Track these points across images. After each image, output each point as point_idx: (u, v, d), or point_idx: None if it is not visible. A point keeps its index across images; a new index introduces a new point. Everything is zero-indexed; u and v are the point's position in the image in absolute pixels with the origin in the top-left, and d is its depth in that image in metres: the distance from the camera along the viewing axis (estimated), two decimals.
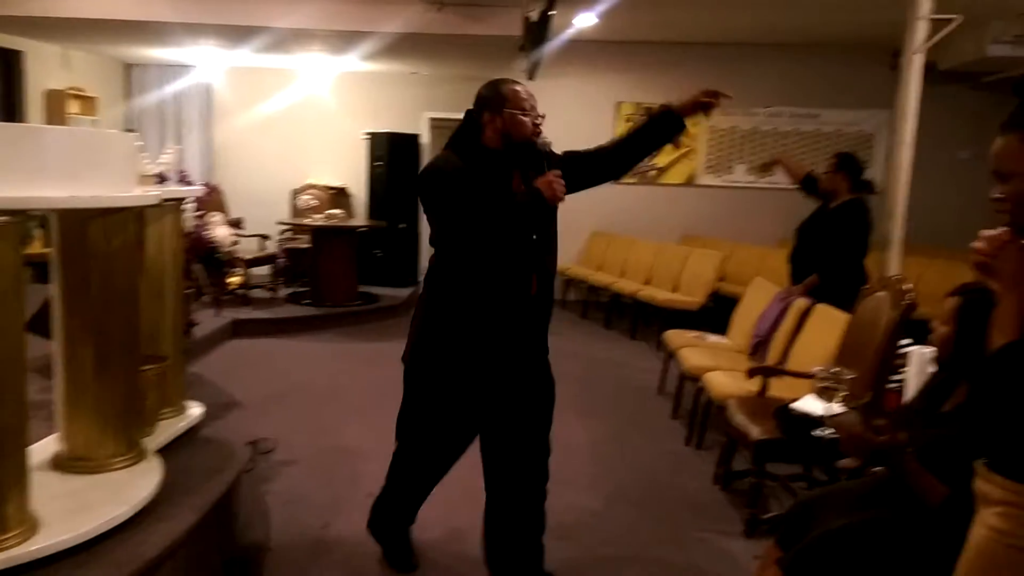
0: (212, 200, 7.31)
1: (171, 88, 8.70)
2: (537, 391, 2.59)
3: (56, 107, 7.22)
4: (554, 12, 5.52)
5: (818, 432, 2.71)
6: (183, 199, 2.90)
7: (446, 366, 2.56)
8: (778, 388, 3.66)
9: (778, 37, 7.71)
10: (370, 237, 8.11)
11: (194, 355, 5.45)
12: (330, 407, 4.77)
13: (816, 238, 4.44)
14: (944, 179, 7.91)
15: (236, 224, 3.90)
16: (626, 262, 7.93)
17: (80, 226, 2.28)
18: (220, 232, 3.45)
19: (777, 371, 3.62)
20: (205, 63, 8.43)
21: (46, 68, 7.32)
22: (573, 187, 2.46)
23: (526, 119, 2.40)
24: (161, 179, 3.17)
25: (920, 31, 4.35)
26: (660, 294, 6.90)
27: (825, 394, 2.65)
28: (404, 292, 8.08)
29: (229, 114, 8.82)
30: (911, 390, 3.41)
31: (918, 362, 3.45)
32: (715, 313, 6.44)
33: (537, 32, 5.84)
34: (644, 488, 3.73)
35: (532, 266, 2.46)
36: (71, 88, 7.52)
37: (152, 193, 2.47)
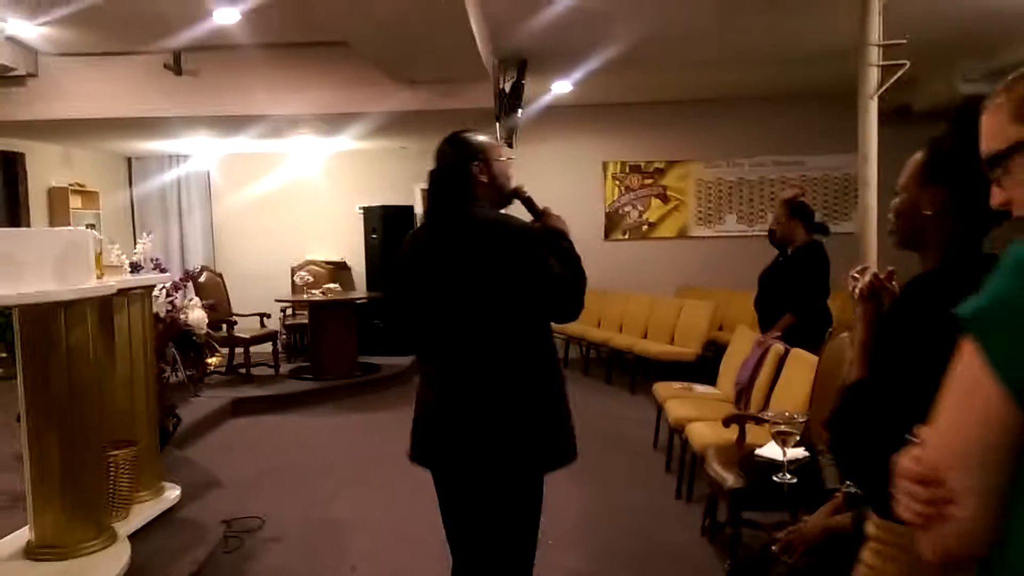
0: (210, 283, 7.51)
1: (170, 177, 9.01)
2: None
3: (59, 203, 7.50)
4: (524, 83, 5.73)
5: (778, 477, 2.72)
6: (152, 287, 3.00)
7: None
8: (757, 435, 3.65)
9: (751, 91, 7.90)
10: (370, 308, 8.22)
11: (192, 437, 5.52)
12: (322, 480, 4.79)
13: (778, 283, 4.55)
14: None
15: (213, 308, 4.01)
16: (623, 317, 7.96)
17: (39, 320, 2.38)
18: (195, 315, 3.57)
19: (749, 417, 3.62)
20: (202, 151, 8.74)
21: (48, 166, 7.63)
22: None
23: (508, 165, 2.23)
24: (135, 268, 3.30)
25: (872, 78, 4.47)
26: (655, 347, 6.92)
27: (780, 438, 2.67)
28: (405, 360, 8.14)
29: (227, 198, 9.10)
30: None
31: None
32: (713, 363, 6.43)
33: (511, 101, 6.04)
34: (632, 544, 3.70)
35: None
36: (73, 184, 7.82)
37: (109, 284, 2.57)
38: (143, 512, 3.07)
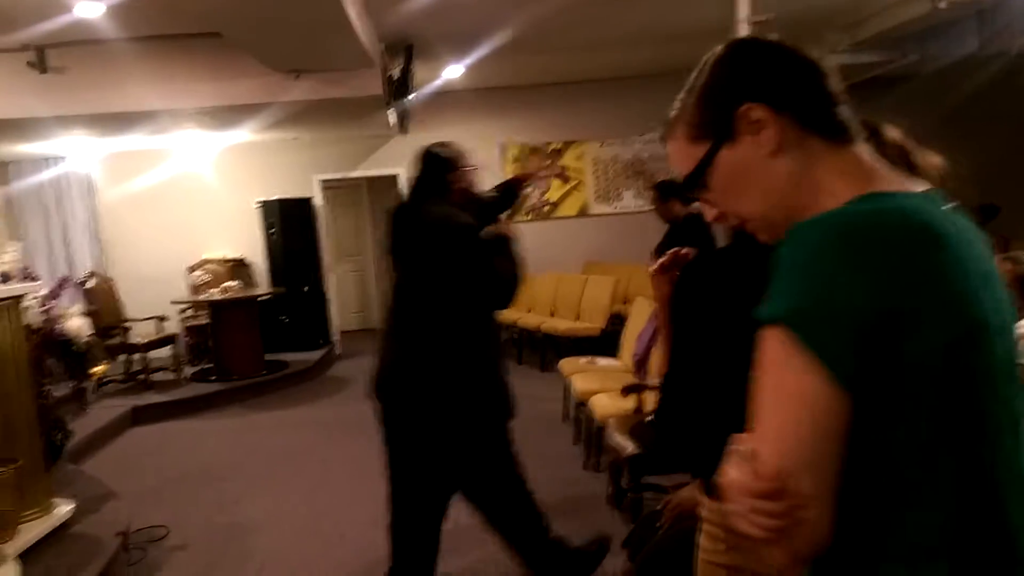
0: (100, 289, 7.17)
1: (48, 178, 8.52)
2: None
3: None
4: (412, 69, 5.68)
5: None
6: (20, 297, 2.86)
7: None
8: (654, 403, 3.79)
9: (637, 70, 8.08)
10: (275, 304, 8.05)
11: (90, 449, 5.30)
12: (228, 483, 4.68)
13: None
14: None
15: (97, 314, 3.84)
16: (532, 297, 8.06)
17: None
18: (74, 324, 3.40)
19: (645, 387, 3.75)
20: (81, 152, 8.30)
21: None
22: None
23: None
24: (3, 278, 3.13)
25: None
26: (562, 324, 7.04)
27: None
28: (315, 355, 8.02)
29: (113, 199, 8.67)
30: None
31: None
32: (618, 336, 6.59)
33: (400, 88, 5.98)
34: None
35: None
36: None
37: None
38: (32, 531, 2.93)
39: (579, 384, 4.51)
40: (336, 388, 7.22)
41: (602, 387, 4.32)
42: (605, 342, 6.61)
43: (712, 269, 1.37)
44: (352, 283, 10.28)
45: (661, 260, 1.43)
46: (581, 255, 8.78)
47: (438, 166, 2.65)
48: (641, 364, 4.51)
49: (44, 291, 3.51)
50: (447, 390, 2.51)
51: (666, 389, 1.42)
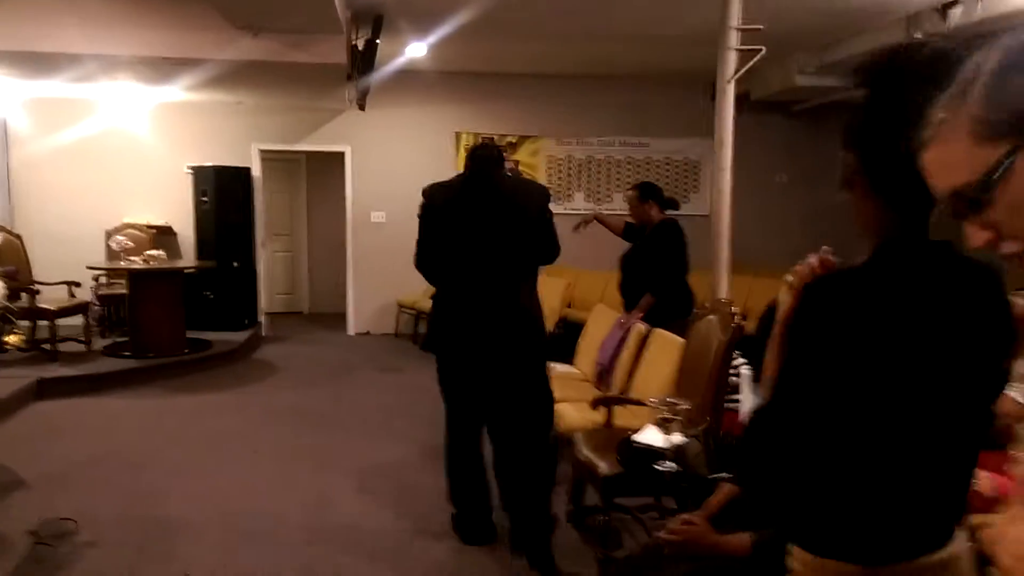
0: (7, 246, 6.53)
1: None
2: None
3: None
4: (379, 41, 5.35)
5: (661, 466, 2.65)
6: None
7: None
8: (623, 417, 3.62)
9: (605, 69, 7.95)
10: (200, 279, 7.53)
11: None
12: (147, 473, 4.26)
13: (640, 264, 4.60)
14: (764, 201, 8.40)
15: (11, 276, 3.38)
16: None
17: None
18: None
19: (620, 400, 3.58)
20: None
21: None
22: None
23: None
24: None
25: (731, 62, 4.54)
26: None
27: (664, 425, 2.61)
28: (241, 336, 7.54)
29: (28, 150, 7.92)
30: (745, 409, 3.45)
31: (750, 381, 3.51)
32: (564, 340, 6.42)
33: (364, 61, 5.63)
34: (498, 531, 3.55)
35: None
36: None
37: None
38: None
39: None
40: (263, 372, 6.79)
41: (562, 395, 4.11)
42: (553, 345, 6.42)
43: (846, 290, 1.17)
44: (281, 263, 9.79)
45: (812, 263, 1.22)
46: None
47: (489, 163, 3.18)
48: (604, 375, 4.35)
49: None
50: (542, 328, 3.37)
51: (762, 421, 1.21)
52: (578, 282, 7.69)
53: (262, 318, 8.45)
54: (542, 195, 3.25)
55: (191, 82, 6.32)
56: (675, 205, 4.96)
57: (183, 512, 3.69)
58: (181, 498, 3.88)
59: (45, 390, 5.65)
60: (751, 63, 4.56)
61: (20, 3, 5.20)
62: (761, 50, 4.50)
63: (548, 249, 3.23)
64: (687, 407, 2.58)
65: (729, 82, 4.72)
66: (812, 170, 8.23)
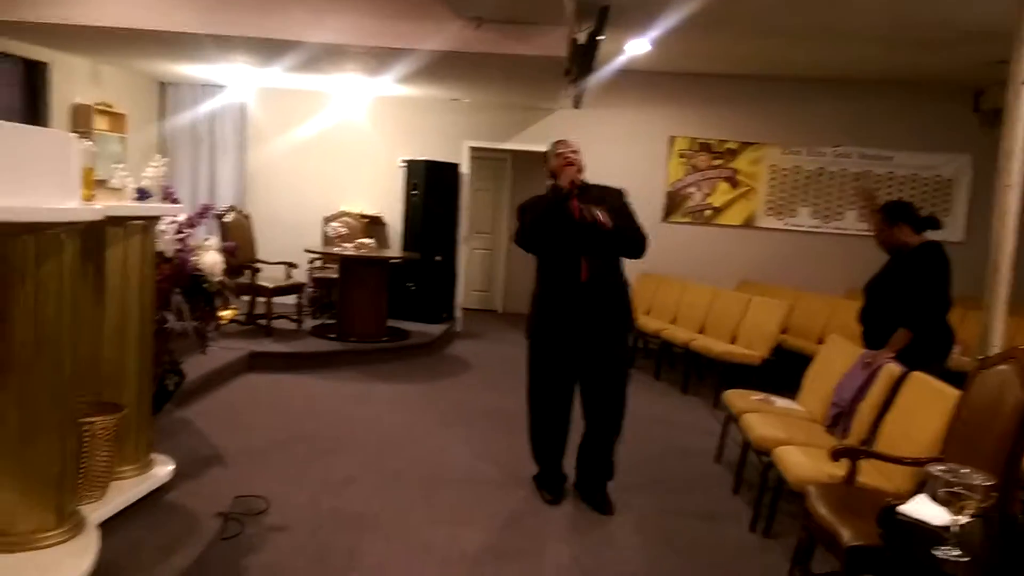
0: (236, 225, 6.94)
1: (204, 108, 8.39)
2: (607, 354, 3.74)
3: (83, 122, 6.93)
4: (603, 36, 5.01)
5: (942, 552, 2.06)
6: (157, 218, 2.40)
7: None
8: (867, 473, 3.01)
9: (844, 73, 7.11)
10: (404, 269, 7.64)
11: (201, 391, 4.99)
12: (339, 459, 4.21)
13: (890, 292, 3.89)
14: None
15: (231, 252, 3.41)
16: (677, 307, 7.29)
17: None
18: (208, 259, 2.98)
19: (871, 454, 2.97)
20: (238, 82, 8.11)
21: (74, 81, 7.04)
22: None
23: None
24: (142, 195, 2.70)
25: None
26: (717, 345, 6.23)
27: (951, 502, 2.02)
28: (437, 329, 7.55)
29: (263, 136, 8.48)
30: None
31: None
32: (779, 369, 5.77)
33: (584, 57, 5.31)
34: None
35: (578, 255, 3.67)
36: (99, 103, 7.23)
37: (95, 208, 1.96)
38: (124, 492, 2.50)
39: (757, 427, 3.75)
40: (456, 368, 6.72)
41: (789, 437, 3.56)
42: (765, 373, 5.79)
43: None
44: (479, 260, 9.79)
45: None
46: (738, 270, 7.92)
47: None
48: (840, 419, 3.71)
49: (182, 217, 3.10)
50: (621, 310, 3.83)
51: None
52: (797, 306, 6.91)
53: (458, 313, 8.45)
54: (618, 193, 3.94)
55: (410, 74, 6.35)
56: (936, 224, 4.04)
57: (370, 511, 3.55)
58: (369, 494, 3.76)
59: (256, 363, 5.90)
60: None
61: None
62: None
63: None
64: (987, 483, 1.98)
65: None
66: None
